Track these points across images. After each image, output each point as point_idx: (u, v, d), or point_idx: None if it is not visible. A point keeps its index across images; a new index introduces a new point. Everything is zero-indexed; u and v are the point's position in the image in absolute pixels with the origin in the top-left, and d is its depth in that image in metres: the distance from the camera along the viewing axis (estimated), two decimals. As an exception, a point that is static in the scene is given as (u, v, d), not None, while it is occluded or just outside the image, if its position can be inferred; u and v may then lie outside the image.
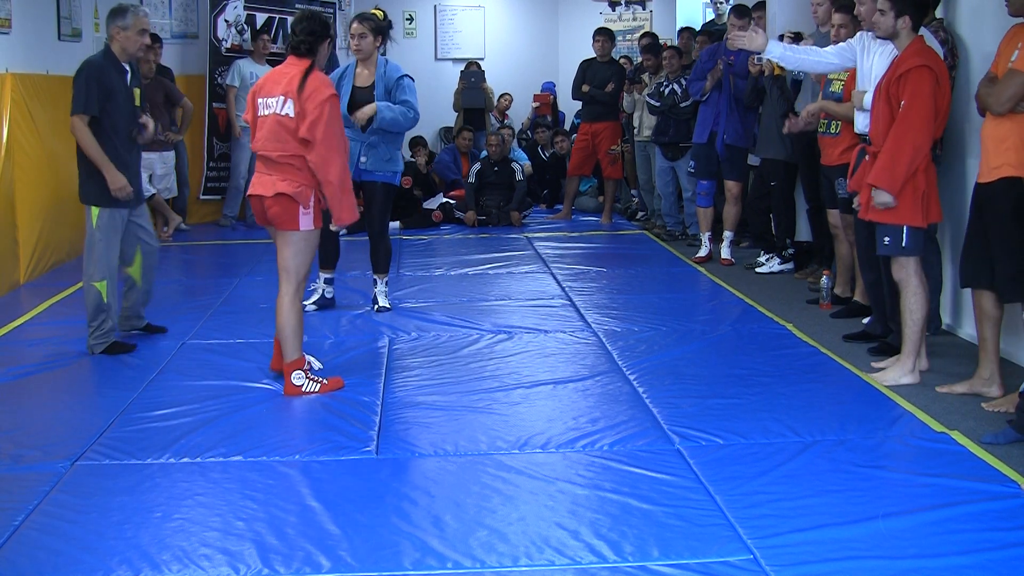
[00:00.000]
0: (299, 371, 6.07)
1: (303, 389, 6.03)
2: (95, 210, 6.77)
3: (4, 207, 8.71)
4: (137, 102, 6.90)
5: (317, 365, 6.47)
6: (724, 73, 9.63)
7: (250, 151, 11.62)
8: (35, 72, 9.53)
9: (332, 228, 6.25)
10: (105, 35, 6.82)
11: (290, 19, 12.64)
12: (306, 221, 5.95)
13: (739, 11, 9.82)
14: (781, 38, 8.68)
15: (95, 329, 6.84)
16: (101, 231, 6.79)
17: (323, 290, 8.11)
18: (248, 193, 6.20)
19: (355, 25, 7.71)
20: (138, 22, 6.76)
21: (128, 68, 6.85)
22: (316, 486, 4.70)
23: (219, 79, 12.30)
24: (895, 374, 6.13)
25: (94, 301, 6.80)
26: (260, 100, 6.04)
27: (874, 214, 6.11)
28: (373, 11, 7.48)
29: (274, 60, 12.37)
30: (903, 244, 6.00)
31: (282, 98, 5.92)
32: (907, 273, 6.08)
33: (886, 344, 6.65)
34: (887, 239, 6.06)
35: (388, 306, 7.99)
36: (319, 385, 6.06)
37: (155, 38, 11.74)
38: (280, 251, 6.06)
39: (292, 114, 5.88)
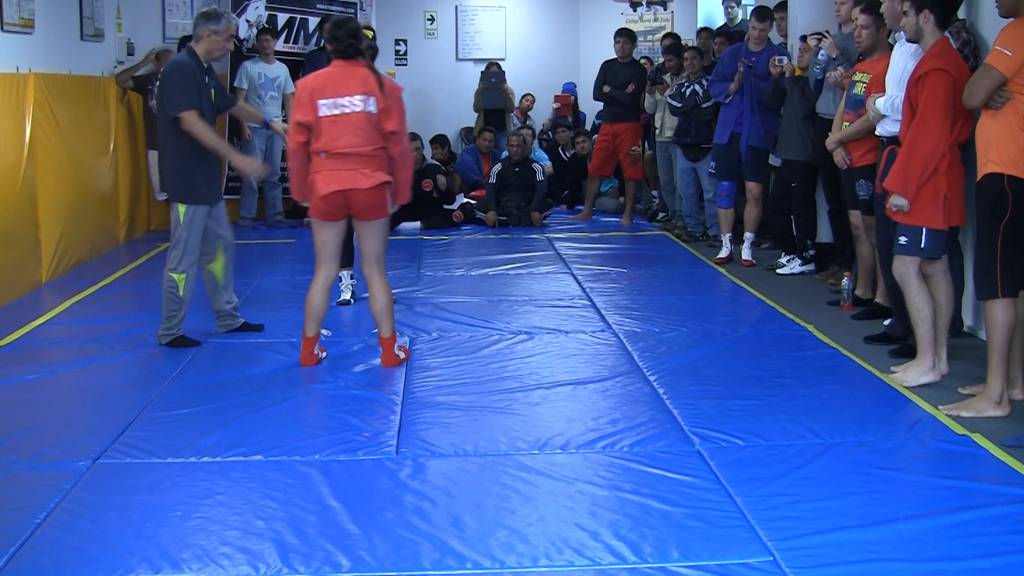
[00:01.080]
0: (399, 344, 6.71)
1: (401, 358, 6.62)
2: (181, 207, 6.93)
3: (26, 206, 8.76)
4: (213, 99, 7.08)
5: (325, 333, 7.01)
6: (745, 74, 9.61)
7: (260, 152, 11.81)
8: (58, 72, 9.59)
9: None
10: (193, 35, 7.05)
11: (311, 20, 12.80)
12: (390, 207, 6.47)
13: (760, 13, 9.81)
14: (804, 39, 8.70)
15: (166, 320, 7.06)
16: (187, 228, 6.95)
17: (352, 287, 8.25)
18: (334, 190, 6.28)
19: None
20: (229, 28, 7.02)
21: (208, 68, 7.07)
22: (336, 486, 4.72)
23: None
24: (915, 374, 6.11)
25: (170, 292, 7.00)
26: (327, 100, 6.24)
27: (895, 214, 6.11)
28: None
29: (286, 60, 12.44)
30: (921, 245, 5.99)
31: (364, 96, 6.23)
32: (906, 273, 6.09)
33: (907, 346, 6.61)
34: (904, 238, 6.05)
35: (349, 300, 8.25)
36: (405, 353, 6.72)
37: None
38: (367, 240, 6.48)
39: (375, 111, 6.22)
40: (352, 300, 8.17)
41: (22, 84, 8.74)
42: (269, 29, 12.41)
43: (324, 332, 6.89)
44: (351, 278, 8.21)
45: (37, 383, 6.34)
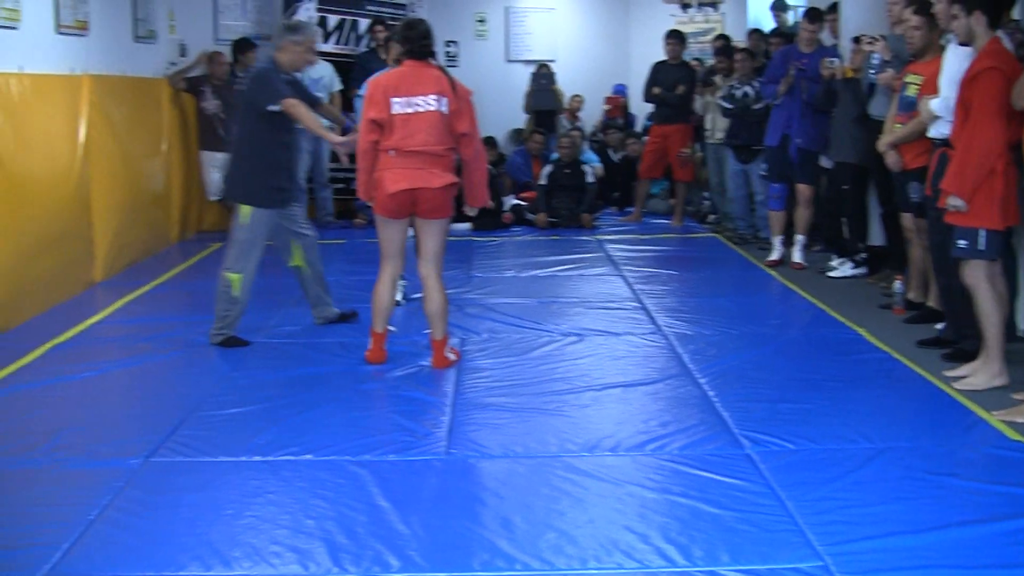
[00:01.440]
0: (450, 345, 6.73)
1: (451, 360, 6.65)
2: (245, 208, 7.01)
3: (80, 207, 8.85)
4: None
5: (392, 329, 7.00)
6: (796, 76, 9.57)
7: (309, 155, 11.86)
8: (111, 73, 9.68)
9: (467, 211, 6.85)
10: (274, 45, 7.22)
11: (361, 21, 12.87)
12: (452, 207, 6.55)
13: (811, 15, 9.78)
14: (855, 40, 8.65)
15: (219, 320, 7.14)
16: (247, 229, 7.04)
17: (403, 288, 8.22)
18: (402, 188, 6.35)
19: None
20: (308, 40, 7.16)
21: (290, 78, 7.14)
22: (386, 486, 4.73)
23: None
24: (984, 378, 6.05)
25: (225, 291, 7.08)
26: (401, 99, 6.31)
27: (951, 216, 6.07)
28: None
29: (336, 61, 12.50)
30: (979, 247, 5.94)
31: (437, 96, 6.31)
32: (977, 277, 6.02)
33: (960, 350, 6.55)
34: (963, 242, 6.00)
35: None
36: (455, 355, 6.74)
37: (250, 44, 11.93)
38: (429, 239, 6.53)
39: (447, 111, 6.30)
40: (403, 301, 8.13)
41: (76, 86, 8.84)
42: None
43: (391, 328, 6.91)
44: (402, 279, 8.12)
45: (90, 381, 6.41)
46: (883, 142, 7.65)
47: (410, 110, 6.27)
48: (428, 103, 6.28)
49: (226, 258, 7.10)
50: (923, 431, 5.36)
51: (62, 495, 4.66)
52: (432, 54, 6.45)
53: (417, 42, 6.39)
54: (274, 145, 7.02)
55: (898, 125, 7.47)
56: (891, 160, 7.55)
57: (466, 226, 11.96)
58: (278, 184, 7.09)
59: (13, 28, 7.81)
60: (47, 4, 8.46)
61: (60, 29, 8.63)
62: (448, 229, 6.60)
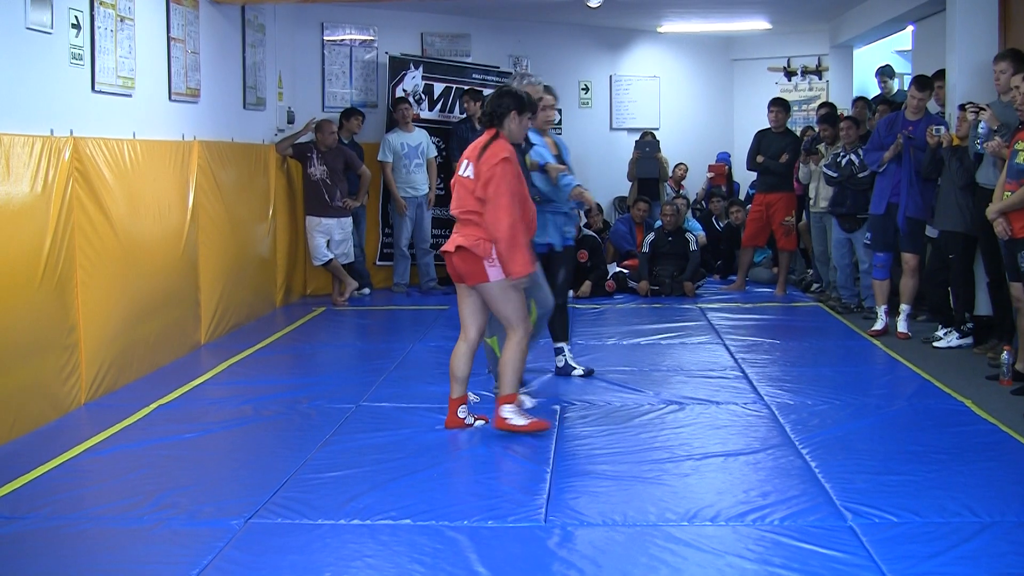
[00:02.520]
0: (511, 405, 6.53)
1: (510, 423, 6.49)
2: None
3: (188, 269, 9.06)
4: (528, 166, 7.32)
5: (529, 403, 7.04)
6: (904, 145, 9.49)
7: (409, 221, 12.06)
8: (221, 139, 9.95)
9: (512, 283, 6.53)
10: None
11: (465, 88, 13.11)
12: (494, 272, 6.43)
13: (920, 83, 9.72)
14: (962, 108, 8.58)
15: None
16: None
17: (567, 358, 8.18)
18: (444, 250, 6.62)
19: (551, 97, 7.85)
20: (544, 100, 7.52)
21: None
22: (484, 552, 4.74)
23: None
24: None
25: (491, 357, 7.29)
26: (459, 165, 6.60)
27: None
28: (542, 89, 7.78)
29: (431, 128, 12.72)
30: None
31: (467, 162, 6.52)
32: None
33: (1069, 423, 6.43)
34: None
35: (591, 368, 8.17)
36: (527, 422, 6.52)
37: (355, 112, 12.20)
38: (489, 305, 6.59)
39: (472, 176, 6.43)
40: (581, 371, 8.12)
41: (187, 151, 9.09)
42: (404, 98, 12.71)
43: (472, 397, 6.92)
44: (569, 351, 8.19)
45: (195, 441, 6.54)
46: (992, 209, 7.56)
47: (456, 175, 6.56)
48: (464, 169, 6.52)
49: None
50: (1032, 506, 5.24)
51: (165, 553, 4.75)
52: (491, 121, 6.58)
53: (485, 110, 6.66)
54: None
55: (1008, 193, 7.39)
56: (1000, 228, 7.45)
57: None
58: None
59: (128, 96, 8.09)
60: (161, 73, 8.76)
61: (173, 97, 8.92)
62: (501, 294, 6.46)
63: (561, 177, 7.58)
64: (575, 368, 8.09)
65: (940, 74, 10.27)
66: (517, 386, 6.61)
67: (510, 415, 6.52)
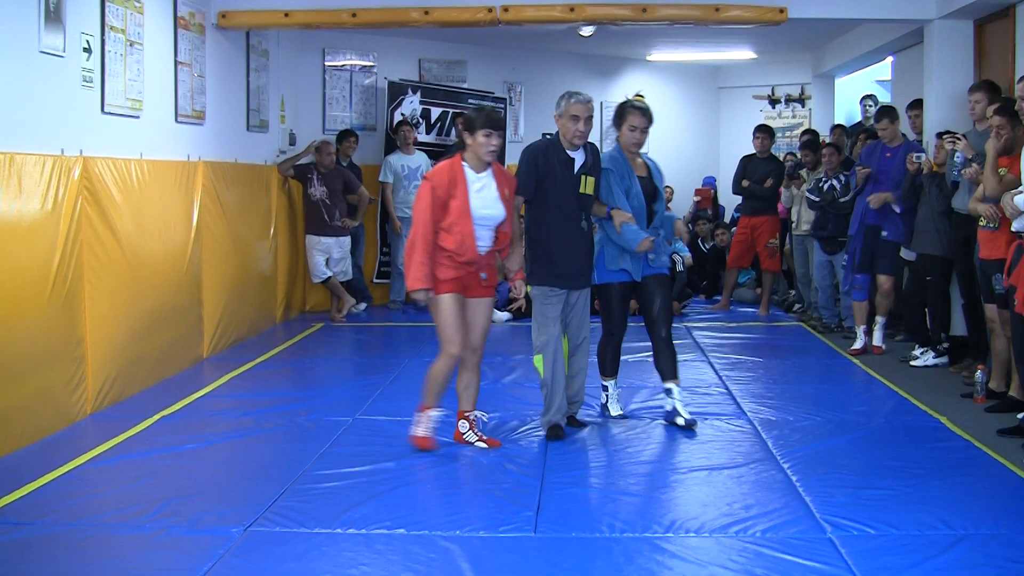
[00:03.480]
0: (421, 414, 6.68)
1: (412, 430, 6.67)
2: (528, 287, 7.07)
3: (191, 285, 9.19)
4: (583, 188, 6.97)
5: (484, 417, 6.99)
6: (876, 169, 9.75)
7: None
8: (224, 160, 10.07)
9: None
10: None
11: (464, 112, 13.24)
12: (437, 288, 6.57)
13: (879, 114, 10.01)
14: (939, 136, 8.75)
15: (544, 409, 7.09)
16: (534, 306, 7.10)
17: (612, 396, 7.66)
18: None
19: (639, 119, 7.26)
20: (569, 108, 6.93)
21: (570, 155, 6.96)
22: (475, 561, 4.82)
23: (389, 172, 12.81)
24: None
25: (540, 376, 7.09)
26: None
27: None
28: (638, 97, 7.45)
29: (428, 150, 12.84)
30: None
31: None
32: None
33: (1041, 440, 6.57)
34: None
35: (694, 419, 7.27)
36: (420, 434, 6.65)
37: (351, 133, 12.34)
38: None
39: None
40: (620, 414, 7.58)
41: (192, 171, 9.23)
42: (405, 120, 12.84)
43: (482, 416, 6.95)
44: (616, 387, 7.68)
45: (196, 452, 6.63)
46: (973, 200, 7.69)
47: None
48: None
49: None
50: (1004, 519, 5.31)
51: (167, 560, 4.85)
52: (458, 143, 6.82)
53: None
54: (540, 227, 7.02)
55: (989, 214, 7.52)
56: (983, 208, 7.45)
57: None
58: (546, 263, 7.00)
59: (136, 117, 8.24)
60: (168, 95, 8.91)
61: (179, 119, 9.07)
62: (431, 308, 6.63)
63: (625, 229, 7.00)
64: (679, 415, 7.24)
65: (918, 103, 10.48)
66: (431, 400, 6.66)
67: (415, 423, 6.70)
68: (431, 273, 6.47)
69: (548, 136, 7.10)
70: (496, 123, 6.63)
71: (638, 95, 7.44)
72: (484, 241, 6.61)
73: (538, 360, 7.00)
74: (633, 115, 7.23)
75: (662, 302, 7.28)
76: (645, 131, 7.27)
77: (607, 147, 7.34)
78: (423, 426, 6.66)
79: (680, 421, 7.19)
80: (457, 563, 4.81)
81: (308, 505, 5.58)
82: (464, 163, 6.62)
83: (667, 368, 7.33)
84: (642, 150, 7.35)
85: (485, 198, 6.58)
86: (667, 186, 15.83)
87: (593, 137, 7.13)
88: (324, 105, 13.22)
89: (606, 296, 7.32)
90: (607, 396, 7.62)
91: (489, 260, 6.73)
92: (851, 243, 10.09)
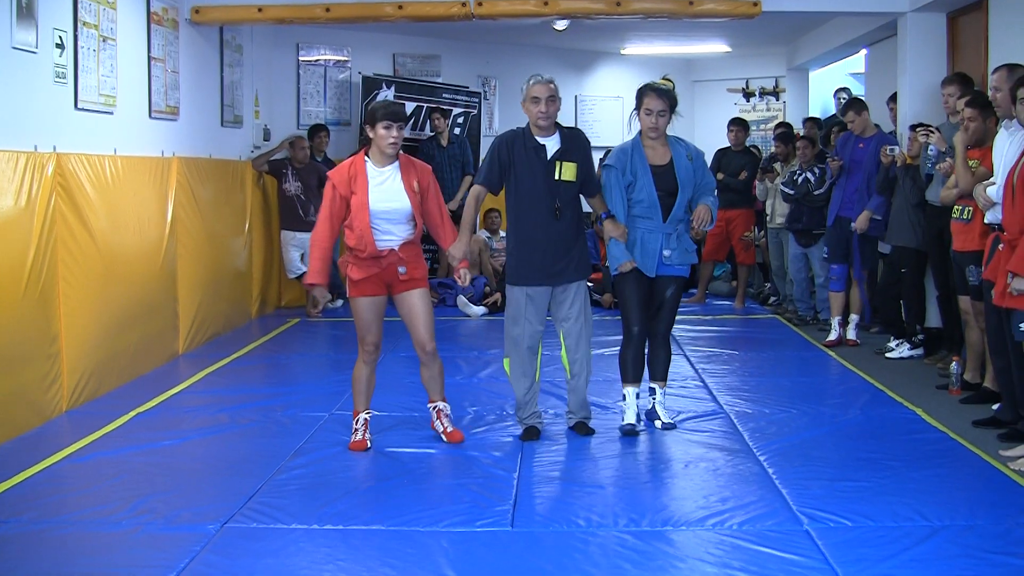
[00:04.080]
0: (354, 419, 6.72)
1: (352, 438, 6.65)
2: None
3: (166, 281, 9.18)
4: (558, 175, 6.67)
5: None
6: (848, 160, 9.81)
7: None
8: (199, 156, 10.06)
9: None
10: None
11: (439, 107, 13.28)
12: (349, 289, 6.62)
13: (844, 108, 10.12)
14: (913, 128, 8.79)
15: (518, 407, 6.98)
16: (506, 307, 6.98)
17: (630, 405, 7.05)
18: None
19: (656, 101, 6.88)
20: (529, 90, 6.68)
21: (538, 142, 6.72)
22: (452, 556, 4.84)
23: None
24: None
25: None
26: None
27: (1011, 300, 6.11)
28: (664, 81, 7.16)
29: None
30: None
31: None
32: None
33: (1016, 431, 6.58)
34: (1024, 325, 6.08)
35: (672, 422, 7.14)
36: (352, 440, 6.65)
37: (321, 128, 12.33)
38: None
39: None
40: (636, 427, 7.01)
41: (166, 167, 9.22)
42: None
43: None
44: (637, 395, 7.09)
45: (172, 448, 6.63)
46: (945, 189, 7.72)
47: None
48: None
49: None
50: (980, 510, 5.35)
51: (143, 557, 4.84)
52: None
53: None
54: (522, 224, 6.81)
55: (957, 207, 7.55)
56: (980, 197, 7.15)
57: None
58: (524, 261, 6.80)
59: (110, 113, 8.22)
60: (142, 91, 8.90)
61: (153, 114, 9.06)
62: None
63: (611, 246, 6.81)
64: (658, 417, 7.13)
65: (895, 97, 10.52)
66: (356, 403, 6.71)
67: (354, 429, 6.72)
68: (324, 271, 6.50)
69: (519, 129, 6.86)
70: (395, 115, 6.45)
71: (664, 79, 7.20)
72: (390, 235, 6.51)
73: (506, 363, 6.92)
74: (648, 97, 6.86)
75: (670, 304, 7.00)
76: (664, 114, 6.82)
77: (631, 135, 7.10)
78: (355, 430, 6.68)
79: (658, 424, 7.08)
80: (434, 558, 4.82)
81: (285, 501, 5.57)
82: (367, 158, 6.51)
83: (658, 369, 7.18)
84: (615, 143, 7.20)
85: (388, 191, 6.45)
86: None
87: (614, 126, 6.95)
88: (298, 100, 13.23)
89: (620, 286, 6.94)
90: (625, 407, 7.00)
91: (406, 254, 6.56)
92: (827, 235, 10.16)
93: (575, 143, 6.81)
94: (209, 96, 10.57)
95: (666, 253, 6.79)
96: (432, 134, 13.15)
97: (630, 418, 6.92)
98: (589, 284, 12.54)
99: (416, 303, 6.64)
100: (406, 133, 12.94)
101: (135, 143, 8.68)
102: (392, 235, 6.50)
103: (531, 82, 6.68)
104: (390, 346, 9.72)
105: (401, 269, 6.53)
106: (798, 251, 11.10)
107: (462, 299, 12.14)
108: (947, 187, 7.69)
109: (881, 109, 10.91)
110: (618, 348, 7.14)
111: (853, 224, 9.77)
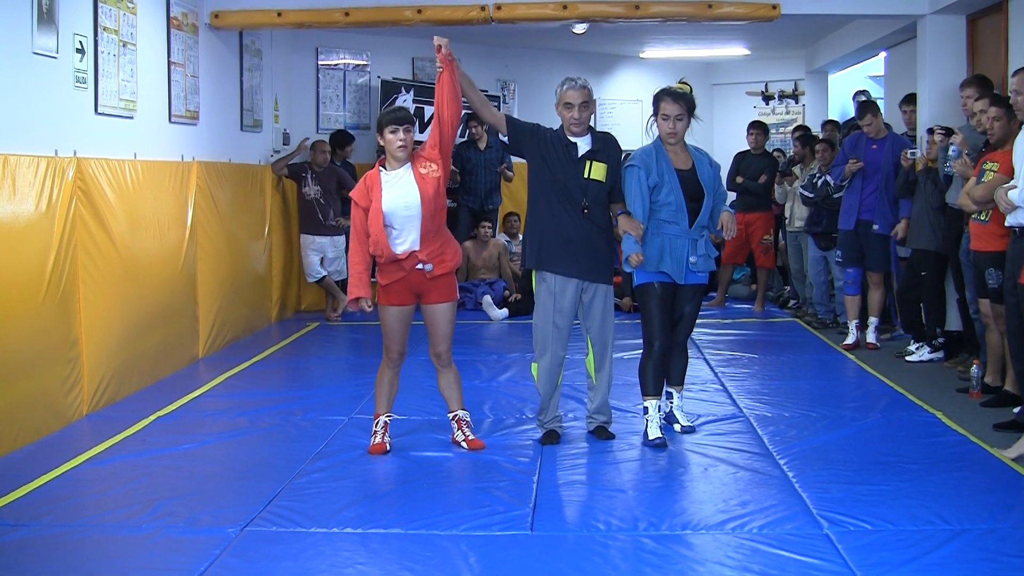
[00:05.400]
0: (374, 421, 6.73)
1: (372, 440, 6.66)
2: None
3: (186, 285, 9.21)
4: (587, 173, 6.64)
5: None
6: (867, 161, 9.78)
7: None
8: (218, 160, 10.09)
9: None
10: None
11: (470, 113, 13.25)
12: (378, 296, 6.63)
13: (860, 111, 10.09)
14: (931, 132, 8.77)
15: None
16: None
17: (652, 419, 6.86)
18: None
19: (672, 106, 6.80)
20: (563, 95, 6.74)
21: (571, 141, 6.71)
22: (472, 560, 4.83)
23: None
24: None
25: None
26: None
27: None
28: (680, 84, 7.00)
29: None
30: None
31: None
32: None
33: (1036, 433, 6.57)
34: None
35: (692, 425, 7.12)
36: (371, 444, 6.65)
37: (349, 137, 12.32)
38: None
39: None
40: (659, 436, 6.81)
41: (186, 171, 9.25)
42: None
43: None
44: (659, 408, 6.97)
45: (192, 452, 6.63)
46: (962, 193, 7.67)
47: None
48: None
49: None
50: (1000, 513, 5.32)
51: (163, 560, 4.84)
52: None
53: None
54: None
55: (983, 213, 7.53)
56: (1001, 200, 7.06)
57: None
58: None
59: (129, 118, 8.25)
60: (161, 96, 8.92)
61: (172, 119, 9.08)
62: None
63: (625, 239, 6.64)
64: (677, 421, 7.10)
65: (911, 98, 10.49)
66: (378, 406, 6.71)
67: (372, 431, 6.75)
68: (362, 283, 6.44)
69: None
70: (400, 119, 6.42)
71: (681, 82, 7.10)
72: (407, 235, 6.43)
73: (534, 368, 6.86)
74: (664, 102, 6.76)
75: (692, 309, 6.89)
76: (681, 118, 6.72)
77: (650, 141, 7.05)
78: (374, 433, 6.69)
79: (678, 428, 7.04)
80: (454, 561, 4.81)
81: (304, 504, 5.57)
82: (382, 169, 6.49)
83: (675, 374, 7.11)
84: (635, 146, 7.17)
85: (399, 187, 6.40)
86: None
87: (634, 129, 6.90)
88: (318, 104, 13.24)
89: (644, 298, 6.82)
90: (648, 420, 6.80)
91: (429, 251, 6.44)
92: (841, 238, 10.14)
93: (607, 145, 6.80)
94: (229, 100, 10.59)
95: (692, 260, 6.69)
96: (469, 138, 13.15)
97: (655, 432, 6.75)
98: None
99: (439, 317, 6.64)
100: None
101: (155, 147, 8.70)
102: (409, 235, 6.41)
103: (564, 87, 6.70)
104: (408, 349, 9.77)
105: (428, 267, 6.45)
106: (818, 254, 11.08)
107: (487, 299, 12.16)
108: (964, 192, 7.66)
109: (897, 112, 10.87)
110: (637, 352, 7.13)
111: (875, 226, 9.73)
